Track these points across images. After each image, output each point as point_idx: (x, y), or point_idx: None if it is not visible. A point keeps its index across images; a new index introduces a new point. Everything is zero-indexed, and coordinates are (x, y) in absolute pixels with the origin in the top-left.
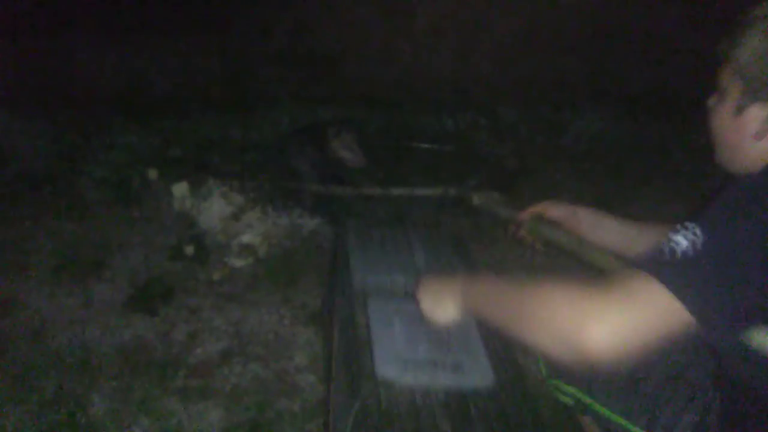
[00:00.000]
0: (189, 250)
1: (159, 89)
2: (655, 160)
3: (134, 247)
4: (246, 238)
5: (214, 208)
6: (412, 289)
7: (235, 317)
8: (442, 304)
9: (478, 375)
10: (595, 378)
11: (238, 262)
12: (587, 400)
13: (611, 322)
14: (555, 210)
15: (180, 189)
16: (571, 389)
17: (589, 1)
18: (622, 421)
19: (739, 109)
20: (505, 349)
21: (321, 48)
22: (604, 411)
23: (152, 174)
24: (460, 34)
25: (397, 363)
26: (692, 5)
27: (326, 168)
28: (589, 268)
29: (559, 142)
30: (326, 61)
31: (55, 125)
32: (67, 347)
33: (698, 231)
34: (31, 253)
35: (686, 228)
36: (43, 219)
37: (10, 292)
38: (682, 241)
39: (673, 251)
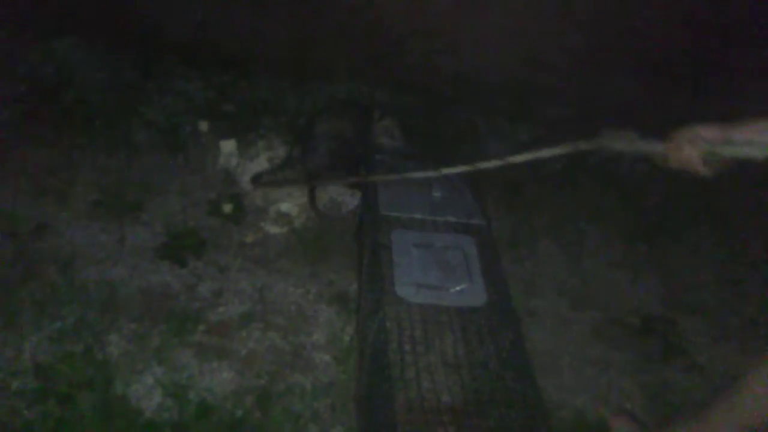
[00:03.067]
0: (227, 208)
1: (223, 45)
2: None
3: (174, 195)
4: (284, 207)
5: (259, 171)
6: (428, 223)
7: (261, 282)
8: None
9: (475, 297)
10: None
11: (273, 229)
12: None
13: None
14: (707, 131)
15: (228, 146)
16: None
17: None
18: None
19: None
20: (498, 277)
21: (386, 29)
22: None
23: (203, 126)
24: (530, 41)
25: (412, 285)
26: None
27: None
28: None
29: (613, 170)
30: (389, 43)
31: (116, 61)
32: (93, 282)
33: None
34: (73, 183)
35: None
36: (89, 151)
37: (47, 217)
38: None
39: None
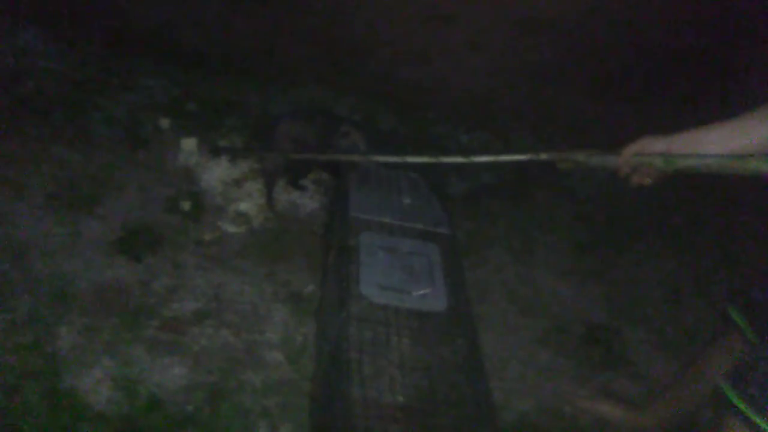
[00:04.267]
0: (185, 205)
1: (189, 44)
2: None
3: (132, 190)
4: (243, 206)
5: (219, 170)
6: (396, 228)
7: (216, 281)
8: None
9: (436, 302)
10: None
11: (231, 228)
12: None
13: None
14: (656, 144)
15: (189, 144)
16: None
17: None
18: None
19: None
20: (459, 285)
21: (354, 37)
22: None
23: (164, 123)
24: (493, 55)
25: (377, 286)
26: None
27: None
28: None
29: (565, 181)
30: (357, 51)
31: (78, 54)
32: (46, 274)
33: None
34: (29, 175)
35: None
36: (48, 143)
37: (1, 207)
38: None
39: None
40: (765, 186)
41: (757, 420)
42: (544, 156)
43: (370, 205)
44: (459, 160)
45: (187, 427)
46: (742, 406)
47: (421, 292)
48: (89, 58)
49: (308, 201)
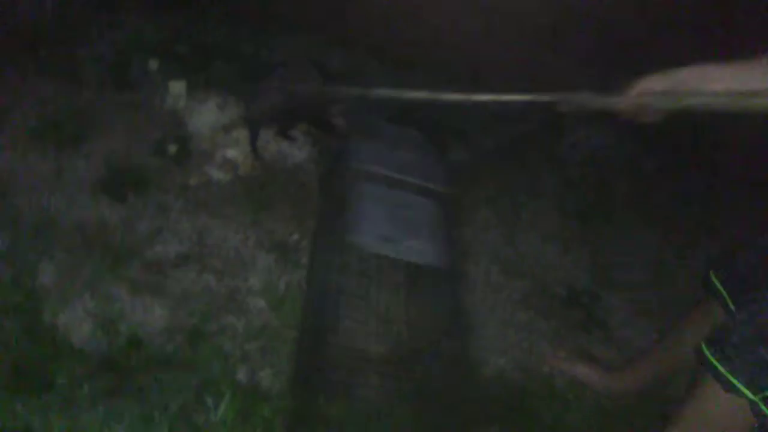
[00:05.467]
0: (172, 149)
1: None
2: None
3: (118, 131)
4: (230, 153)
5: (207, 115)
6: (394, 181)
7: (200, 225)
8: None
9: (428, 256)
10: None
11: (217, 174)
12: None
13: None
14: (660, 81)
15: (177, 87)
16: None
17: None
18: None
19: None
20: (450, 242)
21: None
22: None
23: (153, 64)
24: (489, 16)
25: (370, 235)
26: None
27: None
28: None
29: (556, 146)
30: (350, 1)
31: None
32: (28, 209)
33: None
34: (11, 109)
35: None
36: (32, 80)
37: None
38: None
39: None
40: (748, 157)
41: (732, 379)
42: (546, 97)
43: (370, 156)
44: (458, 97)
45: (166, 367)
46: (719, 366)
47: (412, 244)
48: None
49: (297, 152)
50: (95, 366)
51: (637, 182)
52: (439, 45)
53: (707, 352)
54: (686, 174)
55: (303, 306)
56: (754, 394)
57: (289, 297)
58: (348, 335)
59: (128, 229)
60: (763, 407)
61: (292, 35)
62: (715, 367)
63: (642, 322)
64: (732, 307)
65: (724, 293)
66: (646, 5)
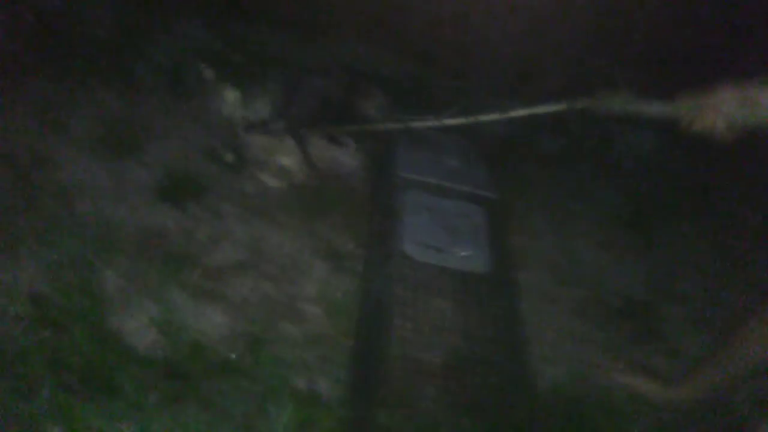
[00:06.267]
0: (228, 157)
1: None
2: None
3: (176, 139)
4: (285, 161)
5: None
6: (442, 189)
7: (258, 233)
8: None
9: (478, 264)
10: None
11: (272, 182)
12: None
13: None
14: (729, 93)
15: (232, 95)
16: None
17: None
18: None
19: None
20: (502, 249)
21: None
22: None
23: (208, 73)
24: (536, 18)
25: (420, 245)
26: None
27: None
28: None
29: (608, 151)
30: (400, 8)
31: (124, 1)
32: (92, 217)
33: None
34: (75, 119)
35: None
36: (93, 88)
37: (48, 149)
38: None
39: None
40: None
41: None
42: (580, 104)
43: (417, 165)
44: (495, 116)
45: (228, 375)
46: None
47: (464, 253)
48: (136, 6)
49: (349, 159)
50: (160, 373)
51: (691, 189)
52: (487, 49)
53: None
54: (742, 181)
55: (358, 314)
56: None
57: (344, 305)
58: (403, 345)
59: (188, 237)
60: None
61: (340, 43)
62: None
63: (700, 332)
64: None
65: None
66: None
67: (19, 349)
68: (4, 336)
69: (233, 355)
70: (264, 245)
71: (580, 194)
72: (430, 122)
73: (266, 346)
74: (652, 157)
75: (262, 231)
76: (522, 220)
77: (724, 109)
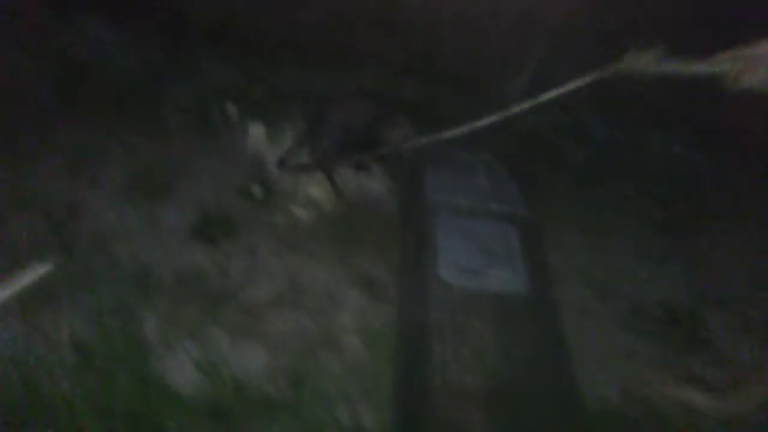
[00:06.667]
0: (257, 191)
1: (253, 30)
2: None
3: (205, 177)
4: (313, 192)
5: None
6: (473, 210)
7: (291, 265)
8: None
9: (516, 286)
10: None
11: (302, 213)
12: None
13: None
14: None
15: (257, 130)
16: None
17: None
18: None
19: None
20: (539, 267)
21: (415, 18)
22: None
23: (232, 110)
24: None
25: (455, 269)
26: None
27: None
28: None
29: (637, 159)
30: (417, 33)
31: (146, 45)
32: (128, 261)
33: None
34: (105, 163)
35: None
36: (122, 133)
37: (80, 196)
38: None
39: None
40: None
41: None
42: (609, 71)
43: (446, 187)
44: (527, 105)
45: (271, 412)
46: None
47: (500, 274)
48: (158, 49)
49: (376, 185)
50: (203, 414)
51: (723, 190)
52: (506, 63)
53: None
54: None
55: (397, 342)
56: None
57: (382, 334)
58: (444, 370)
59: (222, 274)
60: None
61: (362, 70)
62: None
63: (749, 339)
64: None
65: None
66: None
67: (64, 396)
68: (48, 384)
69: (273, 391)
70: (299, 278)
71: (611, 203)
72: (463, 128)
73: (307, 381)
74: (682, 160)
75: (296, 264)
76: (555, 234)
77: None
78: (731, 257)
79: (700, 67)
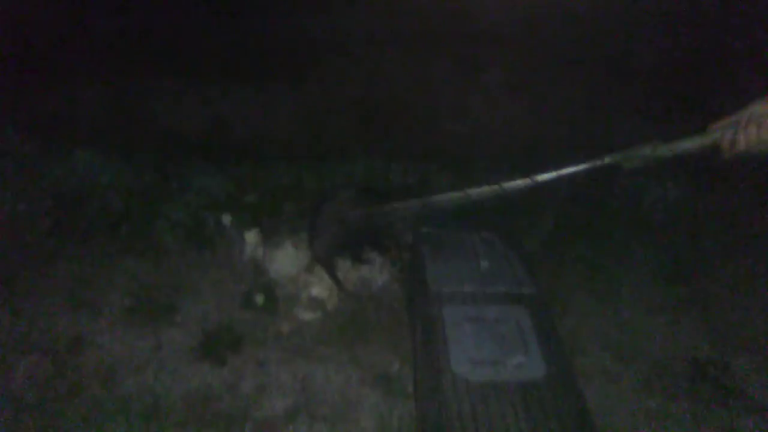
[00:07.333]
0: (259, 299)
1: (237, 136)
2: (733, 234)
3: (206, 292)
4: (315, 291)
5: (286, 258)
6: (479, 296)
7: (301, 373)
8: None
9: (534, 370)
10: None
11: (306, 315)
12: None
13: None
14: (760, 107)
15: (252, 236)
16: None
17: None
18: None
19: None
20: (556, 346)
21: (393, 100)
22: None
23: (226, 219)
24: (533, 92)
25: (468, 362)
26: None
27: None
28: None
29: (635, 209)
30: (398, 114)
31: (134, 165)
32: (135, 392)
33: None
34: (104, 292)
35: None
36: (118, 258)
37: (82, 329)
38: None
39: None
40: None
41: None
42: (608, 160)
43: (448, 274)
44: (522, 183)
45: None
46: None
47: (516, 361)
48: (145, 167)
49: (378, 275)
50: None
51: (725, 231)
52: (488, 133)
53: None
54: None
55: None
56: None
57: None
58: None
59: (233, 392)
60: None
61: (350, 161)
62: None
63: None
64: None
65: None
66: None
67: None
68: None
69: None
70: (310, 384)
71: (618, 258)
72: (457, 195)
73: None
74: (680, 206)
75: (306, 370)
76: (566, 301)
77: (765, 121)
78: (749, 298)
79: (694, 143)
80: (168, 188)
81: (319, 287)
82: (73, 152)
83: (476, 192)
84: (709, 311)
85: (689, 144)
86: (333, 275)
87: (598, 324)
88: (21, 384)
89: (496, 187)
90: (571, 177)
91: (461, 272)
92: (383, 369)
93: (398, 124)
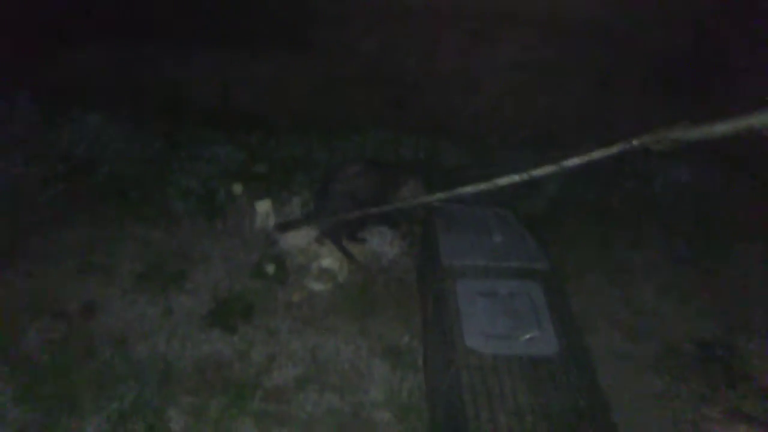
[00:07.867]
0: (270, 268)
1: (247, 106)
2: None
3: (216, 260)
4: (326, 262)
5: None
6: (491, 270)
7: (312, 343)
8: None
9: (546, 345)
10: None
11: (317, 286)
12: None
13: None
14: None
15: (263, 206)
16: None
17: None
18: None
19: None
20: (568, 322)
21: (404, 73)
22: None
23: (237, 189)
24: (543, 70)
25: (481, 335)
26: None
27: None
28: None
29: (647, 190)
30: (409, 86)
31: (145, 132)
32: (147, 358)
33: None
34: (116, 258)
35: None
36: (129, 224)
37: (94, 295)
38: None
39: None
40: None
41: None
42: (636, 142)
43: (461, 249)
44: (550, 170)
45: None
46: None
47: (528, 336)
48: (155, 135)
49: (389, 248)
50: None
51: (737, 213)
52: (500, 108)
53: None
54: None
55: (429, 413)
56: None
57: (413, 405)
58: None
59: (244, 360)
60: None
61: (360, 132)
62: None
63: None
64: None
65: None
66: None
67: None
68: None
69: None
70: (320, 354)
71: (629, 240)
72: (482, 186)
73: None
74: (692, 189)
75: (316, 340)
76: (578, 279)
77: None
78: (758, 280)
79: (727, 127)
80: (178, 157)
81: (330, 259)
82: (84, 118)
83: (504, 180)
84: (718, 293)
85: (723, 128)
86: (342, 248)
87: (608, 303)
88: (34, 346)
89: (524, 174)
90: (600, 162)
91: (474, 246)
92: (393, 341)
93: (410, 97)
